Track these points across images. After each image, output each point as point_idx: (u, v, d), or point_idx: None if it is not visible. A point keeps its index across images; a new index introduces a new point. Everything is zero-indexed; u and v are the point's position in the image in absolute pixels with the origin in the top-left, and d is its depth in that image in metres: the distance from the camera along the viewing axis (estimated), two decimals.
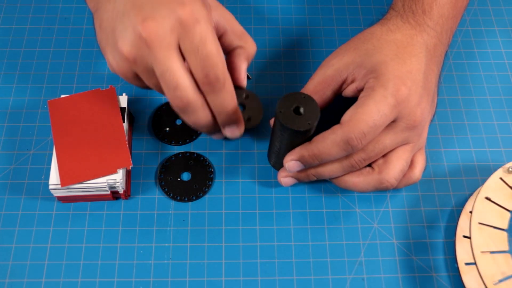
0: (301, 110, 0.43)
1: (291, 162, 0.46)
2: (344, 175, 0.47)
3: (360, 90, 0.46)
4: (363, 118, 0.42)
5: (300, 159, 0.45)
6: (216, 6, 0.47)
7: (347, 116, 0.44)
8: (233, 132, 0.46)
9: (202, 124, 0.44)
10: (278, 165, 0.49)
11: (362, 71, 0.45)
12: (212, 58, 0.40)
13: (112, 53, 0.42)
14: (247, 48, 0.48)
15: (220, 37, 0.47)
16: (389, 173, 0.46)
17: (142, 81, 0.44)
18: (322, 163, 0.46)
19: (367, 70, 0.45)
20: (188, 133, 0.53)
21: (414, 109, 0.44)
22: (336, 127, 0.44)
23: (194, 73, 0.41)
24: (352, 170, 0.46)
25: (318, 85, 0.48)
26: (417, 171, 0.48)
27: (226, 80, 0.42)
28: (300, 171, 0.47)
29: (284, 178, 0.48)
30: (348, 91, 0.47)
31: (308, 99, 0.43)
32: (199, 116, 0.43)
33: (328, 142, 0.44)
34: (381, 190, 0.48)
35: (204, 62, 0.40)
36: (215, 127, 0.45)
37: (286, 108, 0.43)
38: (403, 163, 0.46)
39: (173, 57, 0.40)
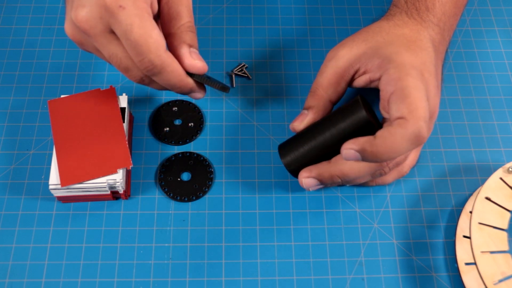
0: (372, 112, 0.45)
1: (308, 179, 0.46)
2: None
3: (373, 81, 0.46)
4: (399, 149, 0.42)
5: (318, 177, 0.47)
6: None
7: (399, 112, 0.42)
8: (195, 96, 0.46)
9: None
10: (301, 167, 0.47)
11: (375, 62, 0.45)
12: (141, 45, 0.40)
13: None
14: (182, 30, 0.45)
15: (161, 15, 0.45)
16: (404, 167, 0.48)
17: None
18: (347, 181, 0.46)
19: (382, 61, 0.45)
20: (188, 133, 0.53)
21: (433, 100, 0.44)
22: (366, 152, 0.42)
23: (131, 56, 0.41)
24: (382, 174, 0.47)
25: (332, 78, 0.47)
26: (406, 165, 0.49)
27: (164, 63, 0.41)
28: (323, 173, 0.46)
29: (306, 178, 0.47)
30: (360, 82, 0.47)
31: (370, 108, 0.46)
32: (156, 86, 0.44)
33: (355, 169, 0.46)
34: (373, 168, 0.47)
35: (134, 49, 0.40)
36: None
37: (365, 103, 0.44)
38: (416, 155, 0.49)
39: (112, 43, 0.41)
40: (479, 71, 0.58)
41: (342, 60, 0.47)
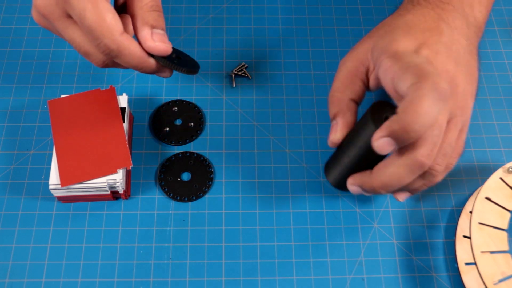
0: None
1: (355, 188, 0.43)
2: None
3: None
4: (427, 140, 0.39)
5: (367, 188, 0.42)
6: None
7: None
8: (162, 76, 0.45)
9: (129, 67, 0.44)
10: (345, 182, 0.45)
11: (376, 56, 0.43)
12: (94, 29, 0.39)
13: None
14: (147, 7, 0.43)
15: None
16: (418, 148, 0.40)
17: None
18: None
19: (378, 53, 0.42)
20: (188, 133, 0.53)
21: (439, 72, 0.40)
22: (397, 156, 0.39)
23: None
24: (432, 173, 0.42)
25: (345, 79, 0.45)
26: (453, 155, 0.43)
27: (120, 46, 0.40)
28: (365, 184, 0.43)
29: (352, 186, 0.44)
30: (372, 81, 0.44)
31: (391, 105, 0.40)
32: (122, 67, 0.44)
33: (398, 171, 0.40)
34: (417, 172, 0.41)
35: (90, 34, 0.39)
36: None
37: (379, 120, 0.40)
38: (449, 143, 0.41)
39: (70, 27, 0.41)
40: (479, 71, 0.58)
41: (350, 60, 0.45)
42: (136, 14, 0.42)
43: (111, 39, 0.40)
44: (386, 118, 0.40)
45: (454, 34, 0.44)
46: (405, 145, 0.39)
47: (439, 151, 0.41)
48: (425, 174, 0.41)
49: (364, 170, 0.43)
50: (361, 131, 0.41)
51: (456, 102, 0.43)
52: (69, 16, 0.40)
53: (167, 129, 0.53)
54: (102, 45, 0.40)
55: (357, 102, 0.45)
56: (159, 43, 0.42)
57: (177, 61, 0.44)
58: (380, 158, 0.41)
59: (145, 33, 0.42)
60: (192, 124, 0.53)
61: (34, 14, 0.43)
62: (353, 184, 0.43)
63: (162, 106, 0.54)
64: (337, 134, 0.44)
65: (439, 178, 0.43)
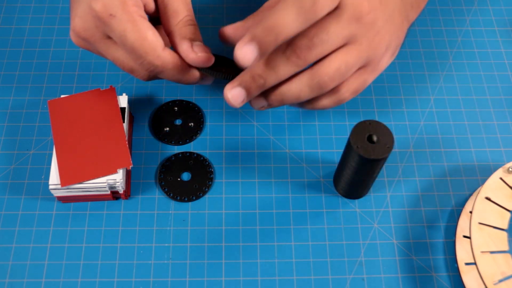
0: (374, 137, 0.42)
1: (244, 47, 0.40)
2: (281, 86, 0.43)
3: None
4: None
5: (253, 38, 0.40)
6: None
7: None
8: (204, 83, 0.47)
9: (175, 80, 0.45)
10: (355, 195, 0.50)
11: None
12: (137, 49, 0.40)
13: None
14: (183, 22, 0.44)
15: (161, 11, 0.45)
16: (321, 68, 0.42)
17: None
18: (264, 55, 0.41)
19: None
20: (188, 133, 0.53)
21: (359, 0, 0.41)
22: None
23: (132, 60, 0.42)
24: (299, 63, 0.41)
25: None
26: (345, 88, 0.44)
27: (164, 62, 0.41)
28: (244, 74, 0.43)
29: (231, 90, 0.43)
30: None
31: (375, 123, 0.43)
32: (165, 78, 0.45)
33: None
34: (318, 93, 0.43)
35: (133, 53, 0.40)
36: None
37: (361, 141, 0.42)
38: (341, 63, 0.42)
39: (112, 47, 0.42)
40: (479, 71, 0.58)
41: None
42: (173, 31, 0.44)
43: (155, 56, 0.41)
44: (369, 138, 0.42)
45: None
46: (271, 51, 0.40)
47: (308, 37, 0.40)
48: (289, 51, 0.41)
49: (362, 185, 0.47)
50: (348, 152, 0.44)
51: (364, 30, 0.42)
52: (109, 37, 0.42)
53: (167, 129, 0.53)
54: (146, 63, 0.41)
55: None
56: (201, 53, 0.43)
57: (221, 68, 0.45)
58: (374, 168, 0.44)
59: (185, 47, 0.43)
60: (192, 124, 0.53)
61: (73, 38, 0.44)
62: (232, 87, 0.42)
63: (162, 106, 0.54)
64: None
65: (325, 104, 0.45)
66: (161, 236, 0.48)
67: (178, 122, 0.54)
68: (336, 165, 0.52)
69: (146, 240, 0.48)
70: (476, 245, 0.44)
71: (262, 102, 0.46)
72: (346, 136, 0.53)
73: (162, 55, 0.41)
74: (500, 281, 0.42)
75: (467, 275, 0.46)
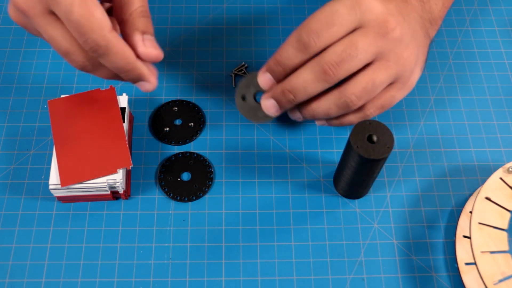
0: (374, 137, 0.42)
1: (261, 76, 0.46)
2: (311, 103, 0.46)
3: None
4: (313, 16, 0.42)
5: (268, 69, 0.45)
6: None
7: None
8: (144, 87, 0.44)
9: (108, 78, 0.43)
10: (355, 195, 0.50)
11: None
12: (83, 25, 0.38)
13: None
14: (137, 13, 0.43)
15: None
16: (348, 87, 0.43)
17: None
18: (287, 70, 0.44)
19: None
20: (188, 133, 0.53)
21: (383, 16, 0.42)
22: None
23: (76, 38, 0.39)
24: (327, 79, 0.43)
25: None
26: (370, 104, 0.46)
27: (110, 43, 0.39)
28: (276, 89, 0.45)
29: (265, 100, 0.47)
30: None
31: (375, 123, 0.43)
32: (101, 73, 0.42)
33: (285, 45, 0.43)
34: (345, 111, 0.45)
35: (77, 29, 0.38)
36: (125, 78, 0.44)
37: (361, 141, 0.42)
38: (368, 81, 0.43)
39: (52, 24, 0.40)
40: (479, 71, 0.58)
41: None
42: (126, 20, 0.42)
43: (101, 34, 0.38)
44: (369, 138, 0.42)
45: (407, 8, 0.45)
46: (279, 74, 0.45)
47: (337, 54, 0.42)
48: (317, 69, 0.43)
49: (362, 185, 0.47)
50: (348, 152, 0.44)
51: (391, 46, 0.43)
52: (51, 13, 0.39)
53: (167, 129, 0.53)
54: (90, 41, 0.38)
55: None
56: (151, 49, 0.42)
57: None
58: (374, 169, 0.44)
59: (136, 39, 0.42)
60: (192, 124, 0.53)
61: (10, 10, 0.41)
62: (262, 71, 0.45)
63: (162, 106, 0.54)
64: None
65: (351, 119, 0.47)
66: (161, 236, 0.48)
67: (178, 122, 0.54)
68: (336, 165, 0.52)
69: (146, 240, 0.48)
70: (476, 245, 0.44)
71: (297, 114, 0.48)
72: (346, 136, 0.53)
73: (108, 35, 0.39)
74: (500, 281, 0.42)
75: (467, 275, 0.46)
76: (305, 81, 0.43)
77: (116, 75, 0.43)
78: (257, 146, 0.53)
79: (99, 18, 0.38)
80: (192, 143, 0.53)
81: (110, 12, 0.44)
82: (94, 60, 0.41)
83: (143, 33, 0.42)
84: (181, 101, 0.55)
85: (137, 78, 0.43)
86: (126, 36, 0.42)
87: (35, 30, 0.42)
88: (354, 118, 0.47)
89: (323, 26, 0.42)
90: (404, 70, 0.45)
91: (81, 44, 0.39)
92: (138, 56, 0.42)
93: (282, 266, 0.47)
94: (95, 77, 0.56)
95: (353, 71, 0.43)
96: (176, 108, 0.54)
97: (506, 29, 0.61)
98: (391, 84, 0.46)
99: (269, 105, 0.46)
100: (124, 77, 0.42)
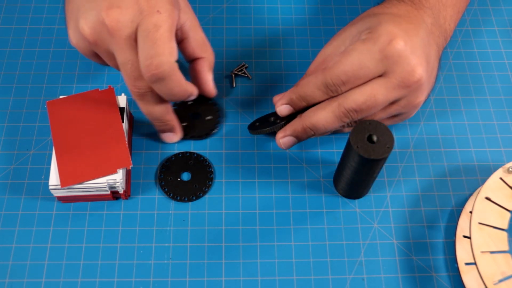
0: (374, 137, 0.42)
1: (281, 106, 0.48)
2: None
3: None
4: (343, 68, 0.44)
5: (289, 102, 0.47)
6: (186, 9, 0.47)
7: (331, 62, 0.45)
8: (170, 138, 0.51)
9: (155, 115, 0.47)
10: (355, 195, 0.50)
11: (356, 37, 0.46)
12: (158, 45, 0.40)
13: (73, 30, 0.44)
14: (208, 58, 0.49)
15: (182, 42, 0.48)
16: (348, 96, 0.45)
17: (101, 59, 0.46)
18: (310, 105, 0.47)
19: (360, 32, 0.45)
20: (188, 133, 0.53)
21: (411, 67, 0.44)
22: (319, 71, 0.45)
23: (140, 59, 0.41)
24: (345, 120, 0.46)
25: (319, 64, 0.48)
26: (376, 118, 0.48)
27: (173, 70, 0.42)
28: (297, 126, 0.47)
29: (283, 138, 0.49)
30: None
31: (375, 123, 0.43)
32: (153, 108, 0.46)
33: (310, 84, 0.45)
34: (344, 120, 0.46)
35: (151, 48, 0.40)
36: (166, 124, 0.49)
37: (361, 141, 0.42)
38: (369, 94, 0.44)
39: (131, 48, 0.42)
40: (479, 71, 0.58)
41: (330, 47, 0.48)
42: (205, 58, 0.49)
43: (168, 60, 0.41)
44: (369, 138, 0.42)
45: (429, 37, 0.47)
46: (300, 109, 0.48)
47: (356, 103, 0.44)
48: (343, 120, 0.46)
49: (362, 185, 0.47)
50: (348, 152, 0.44)
51: (408, 93, 0.45)
52: (134, 39, 0.41)
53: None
54: (155, 63, 0.41)
55: None
56: (215, 88, 0.51)
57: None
58: (374, 169, 0.44)
59: (210, 78, 0.50)
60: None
61: (86, 31, 0.42)
62: (284, 135, 0.49)
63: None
64: (279, 97, 0.49)
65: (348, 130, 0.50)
66: (161, 236, 0.48)
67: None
68: (336, 165, 0.52)
69: (146, 240, 0.48)
70: (476, 245, 0.44)
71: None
72: (346, 136, 0.53)
73: (173, 63, 0.42)
74: (500, 281, 0.42)
75: (467, 275, 0.46)
76: (326, 121, 0.46)
77: (160, 114, 0.48)
78: (257, 146, 0.53)
79: (174, 47, 0.42)
80: (192, 143, 0.53)
81: None
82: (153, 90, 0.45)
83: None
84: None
85: (171, 127, 0.49)
86: (197, 72, 0.49)
87: (104, 51, 0.44)
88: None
89: (349, 78, 0.44)
90: (415, 110, 0.48)
91: (145, 67, 0.41)
92: (205, 90, 0.50)
93: (282, 266, 0.47)
94: (95, 77, 0.56)
95: (370, 115, 0.47)
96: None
97: (506, 29, 0.61)
98: (396, 116, 0.49)
99: (287, 142, 0.49)
100: (172, 99, 0.46)
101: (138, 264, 0.47)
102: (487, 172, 0.52)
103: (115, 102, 0.50)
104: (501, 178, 0.47)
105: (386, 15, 0.46)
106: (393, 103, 0.46)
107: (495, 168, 0.49)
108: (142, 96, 0.45)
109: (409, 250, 0.48)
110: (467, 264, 0.47)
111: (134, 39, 0.42)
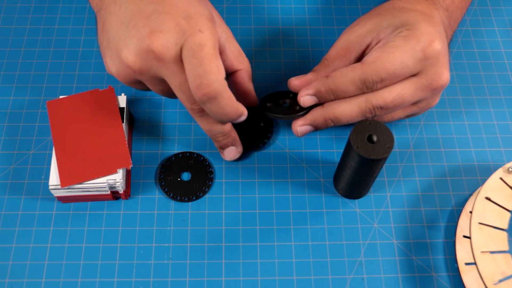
0: (374, 137, 0.42)
1: (306, 96, 0.46)
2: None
3: None
4: (384, 65, 0.43)
5: (317, 94, 0.46)
6: (220, 22, 0.47)
7: (370, 57, 0.44)
8: (231, 153, 0.50)
9: (218, 129, 0.46)
10: (355, 195, 0.50)
11: (389, 30, 0.45)
12: (206, 64, 0.39)
13: (113, 59, 0.42)
14: (246, 68, 0.48)
15: (220, 56, 0.46)
16: (377, 92, 0.45)
17: (143, 85, 0.44)
18: (338, 99, 0.46)
19: (396, 27, 0.45)
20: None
21: (441, 71, 0.44)
22: (357, 65, 0.44)
23: (189, 80, 0.40)
24: (368, 116, 0.46)
25: (342, 51, 0.47)
26: (397, 112, 0.48)
27: (224, 88, 0.41)
28: (318, 117, 0.47)
29: (301, 126, 0.48)
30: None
31: (375, 123, 0.43)
32: (215, 121, 0.45)
33: (346, 78, 0.44)
34: (367, 115, 0.46)
35: (199, 68, 0.39)
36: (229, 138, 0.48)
37: (361, 141, 0.42)
38: (398, 93, 0.44)
39: (182, 69, 0.41)
40: (479, 71, 0.58)
41: (354, 35, 0.47)
42: (245, 70, 0.48)
43: (218, 78, 0.40)
44: (369, 138, 0.42)
45: (446, 38, 0.47)
46: (326, 101, 0.46)
47: (385, 101, 0.44)
48: (365, 113, 0.46)
49: (362, 185, 0.47)
50: (348, 152, 0.44)
51: (431, 95, 0.46)
52: (181, 60, 0.40)
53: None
54: (205, 83, 0.40)
55: None
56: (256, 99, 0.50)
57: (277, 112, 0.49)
58: (374, 169, 0.44)
59: (252, 87, 0.49)
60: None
61: (131, 60, 0.41)
62: (304, 124, 0.47)
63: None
64: (297, 80, 0.48)
65: (384, 118, 0.49)
66: (161, 236, 0.48)
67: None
68: (336, 165, 0.52)
69: (146, 240, 0.48)
70: (476, 245, 0.44)
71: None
72: (346, 136, 0.53)
73: (223, 81, 0.41)
74: (500, 281, 0.42)
75: (467, 275, 0.46)
76: (350, 115, 0.46)
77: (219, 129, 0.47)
78: None
79: (221, 65, 0.41)
80: (192, 143, 0.53)
81: None
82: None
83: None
84: None
85: (235, 119, 0.44)
86: (239, 83, 0.48)
87: (151, 77, 0.43)
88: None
89: (389, 76, 0.43)
90: (429, 107, 0.49)
91: (195, 87, 0.40)
92: (250, 101, 0.49)
93: (282, 266, 0.47)
94: (95, 77, 0.56)
95: (392, 112, 0.47)
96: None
97: (506, 29, 0.61)
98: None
99: (304, 130, 0.48)
100: (224, 119, 0.44)
101: (138, 264, 0.47)
102: (487, 172, 0.52)
103: (115, 102, 0.50)
104: (501, 178, 0.47)
105: (416, 12, 0.46)
106: (414, 103, 0.46)
107: (495, 168, 0.49)
108: (203, 113, 0.44)
109: (409, 250, 0.48)
110: (467, 264, 0.47)
111: (181, 61, 0.40)
